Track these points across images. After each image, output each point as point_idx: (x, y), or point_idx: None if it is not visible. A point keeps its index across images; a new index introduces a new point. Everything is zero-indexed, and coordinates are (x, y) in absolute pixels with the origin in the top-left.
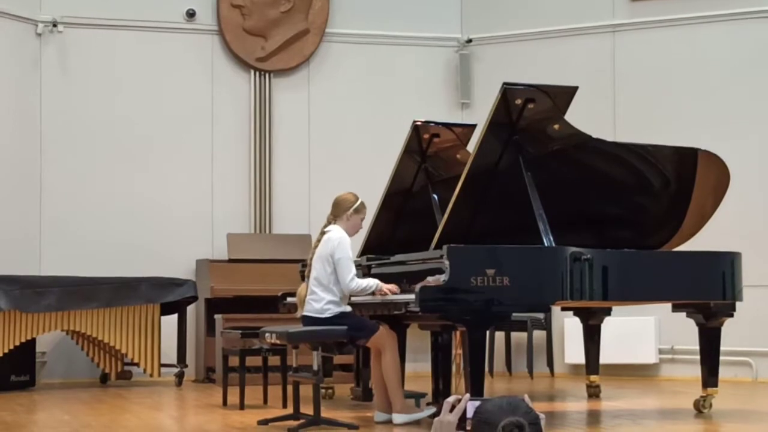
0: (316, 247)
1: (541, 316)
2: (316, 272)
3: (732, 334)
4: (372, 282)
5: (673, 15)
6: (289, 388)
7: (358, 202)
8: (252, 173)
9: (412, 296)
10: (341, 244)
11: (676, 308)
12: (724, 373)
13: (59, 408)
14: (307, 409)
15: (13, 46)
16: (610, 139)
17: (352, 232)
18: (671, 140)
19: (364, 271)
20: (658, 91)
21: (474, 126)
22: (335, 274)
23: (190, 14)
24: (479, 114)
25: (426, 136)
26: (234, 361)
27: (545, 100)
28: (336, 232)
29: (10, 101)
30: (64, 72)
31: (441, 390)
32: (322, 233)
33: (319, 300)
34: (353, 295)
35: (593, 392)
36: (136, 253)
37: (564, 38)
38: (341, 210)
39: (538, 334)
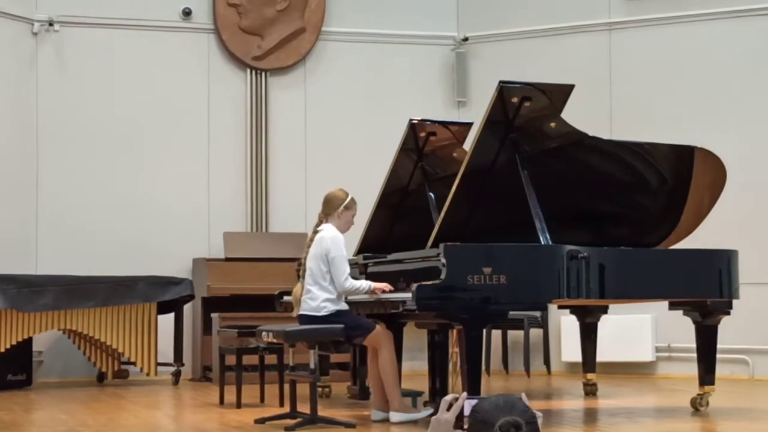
0: (309, 246)
1: (537, 314)
2: (310, 271)
3: (728, 331)
4: (365, 283)
5: (669, 13)
6: (286, 387)
7: (348, 199)
8: (248, 172)
9: (409, 295)
10: (335, 243)
11: (672, 306)
12: (720, 370)
13: (56, 407)
14: (304, 408)
15: (9, 45)
16: (606, 137)
17: (344, 229)
18: (668, 138)
19: (360, 270)
20: (654, 89)
21: (470, 124)
22: (331, 273)
23: (186, 13)
24: (476, 112)
25: (422, 134)
26: (231, 359)
27: (541, 98)
28: (329, 230)
29: (7, 100)
30: (60, 71)
31: (438, 388)
32: (315, 232)
33: (315, 298)
34: (347, 295)
35: (590, 390)
36: (133, 251)
37: (560, 36)
38: (332, 207)
39: (535, 333)
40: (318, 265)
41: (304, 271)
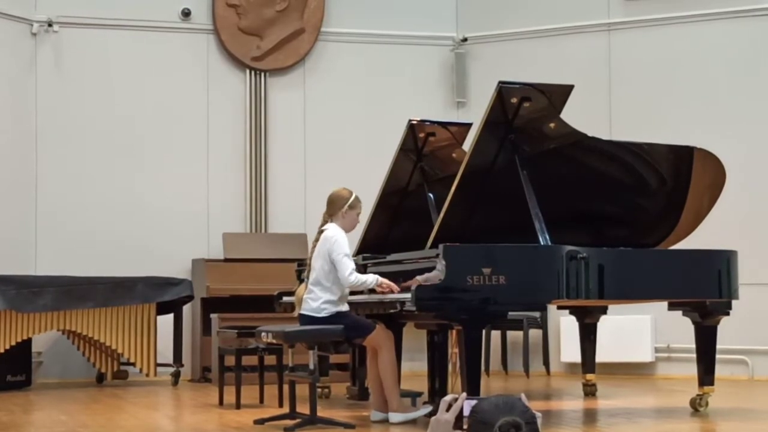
0: (314, 246)
1: (537, 314)
2: (315, 272)
3: (728, 332)
4: (371, 278)
5: (667, 14)
6: (286, 388)
7: (353, 197)
8: (247, 172)
9: (409, 295)
10: (338, 242)
11: (672, 307)
12: (720, 371)
13: (56, 408)
14: (303, 409)
15: (9, 46)
16: (605, 137)
17: (349, 228)
18: (667, 138)
19: (360, 270)
20: (653, 90)
21: (470, 125)
22: (334, 272)
23: (186, 13)
24: (475, 113)
25: (422, 134)
26: (230, 360)
27: (541, 98)
28: (332, 230)
29: (6, 101)
30: (59, 72)
31: (437, 389)
32: (320, 232)
33: (316, 299)
34: (353, 290)
35: (589, 391)
36: (132, 252)
37: (559, 37)
38: (336, 207)
39: (534, 333)
40: (322, 265)
41: (309, 270)
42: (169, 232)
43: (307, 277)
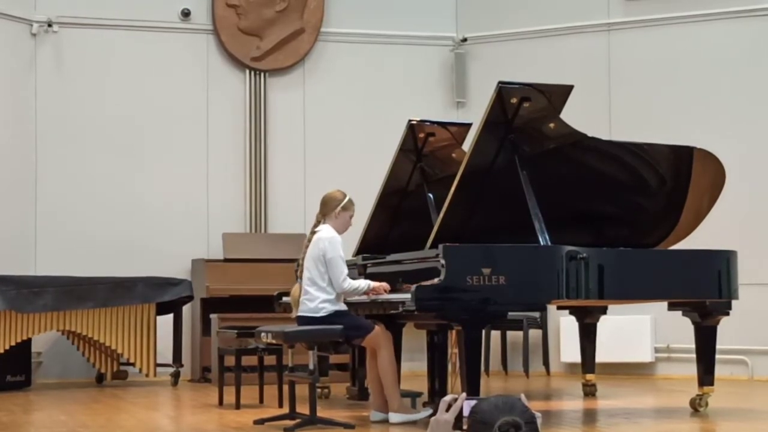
0: (306, 247)
1: (536, 314)
2: (309, 272)
3: (728, 332)
4: (363, 283)
5: (667, 14)
6: (285, 388)
7: (346, 199)
8: (247, 173)
9: (408, 295)
10: (332, 244)
11: (671, 307)
12: (720, 371)
13: (55, 408)
14: (303, 409)
15: (8, 46)
16: (605, 137)
17: (341, 230)
18: (667, 139)
19: (359, 271)
20: (654, 90)
21: (469, 125)
22: (329, 274)
23: (185, 14)
24: (475, 113)
25: (421, 135)
26: (230, 360)
27: (541, 98)
28: (326, 231)
29: (6, 101)
30: (59, 72)
31: (437, 389)
32: (312, 233)
33: (313, 299)
34: (346, 296)
35: (589, 391)
36: (132, 252)
37: (559, 37)
38: (329, 208)
39: (534, 333)
40: (315, 266)
41: (302, 271)
42: (169, 232)
43: (300, 278)
